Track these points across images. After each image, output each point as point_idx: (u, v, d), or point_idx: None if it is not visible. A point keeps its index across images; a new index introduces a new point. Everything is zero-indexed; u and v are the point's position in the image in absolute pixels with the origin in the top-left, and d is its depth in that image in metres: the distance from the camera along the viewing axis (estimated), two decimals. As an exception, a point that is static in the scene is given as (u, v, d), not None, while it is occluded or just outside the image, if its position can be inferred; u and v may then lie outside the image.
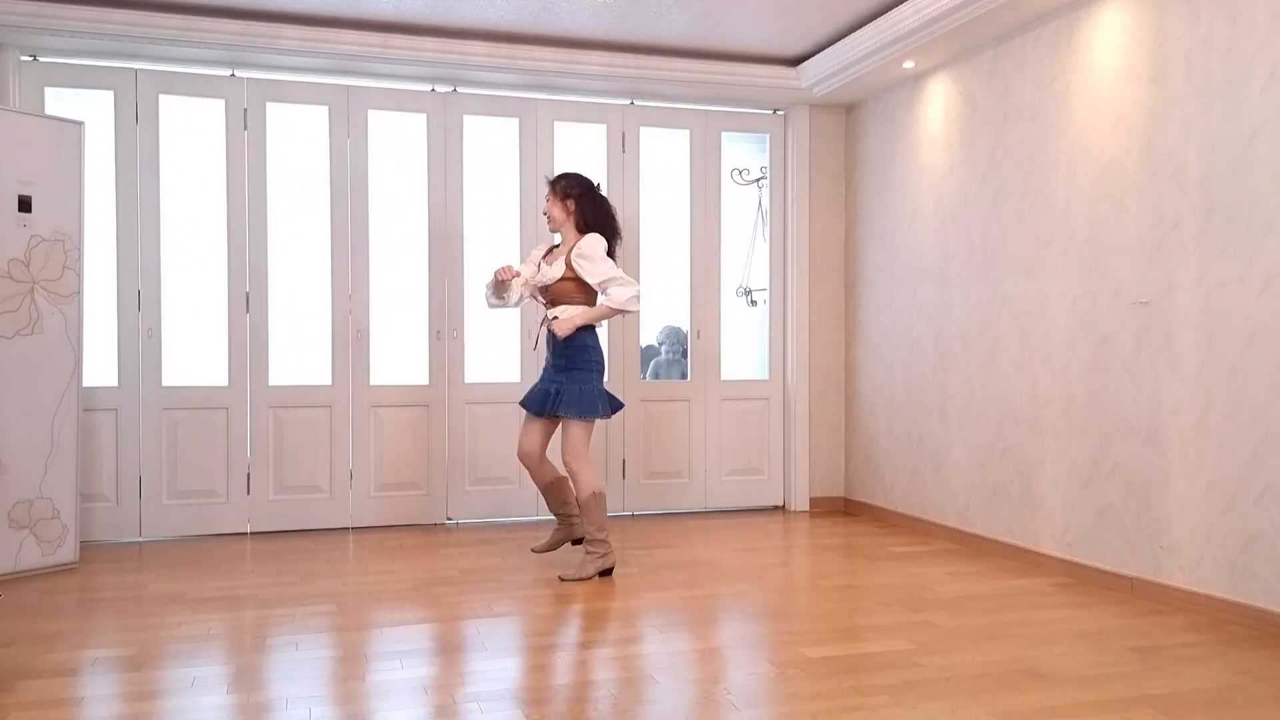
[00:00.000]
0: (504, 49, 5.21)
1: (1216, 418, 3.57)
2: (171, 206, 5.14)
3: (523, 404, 4.37)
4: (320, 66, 5.12)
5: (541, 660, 3.13)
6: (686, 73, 5.48)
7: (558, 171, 4.67)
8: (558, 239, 4.42)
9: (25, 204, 4.23)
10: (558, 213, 4.30)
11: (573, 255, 4.20)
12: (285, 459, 5.26)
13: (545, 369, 4.35)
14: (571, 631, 3.44)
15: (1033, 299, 4.46)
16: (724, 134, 5.96)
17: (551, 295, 4.27)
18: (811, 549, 4.90)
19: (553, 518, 4.89)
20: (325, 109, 5.31)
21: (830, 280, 6.02)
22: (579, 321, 4.18)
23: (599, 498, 4.20)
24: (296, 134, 5.32)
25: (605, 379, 4.37)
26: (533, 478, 4.40)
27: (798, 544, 5.04)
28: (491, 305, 4.41)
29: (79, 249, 4.43)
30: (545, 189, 4.42)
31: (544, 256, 4.40)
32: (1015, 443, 4.58)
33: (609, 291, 4.17)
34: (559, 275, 4.22)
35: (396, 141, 5.47)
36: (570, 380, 4.19)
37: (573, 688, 2.86)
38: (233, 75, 5.19)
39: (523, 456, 4.34)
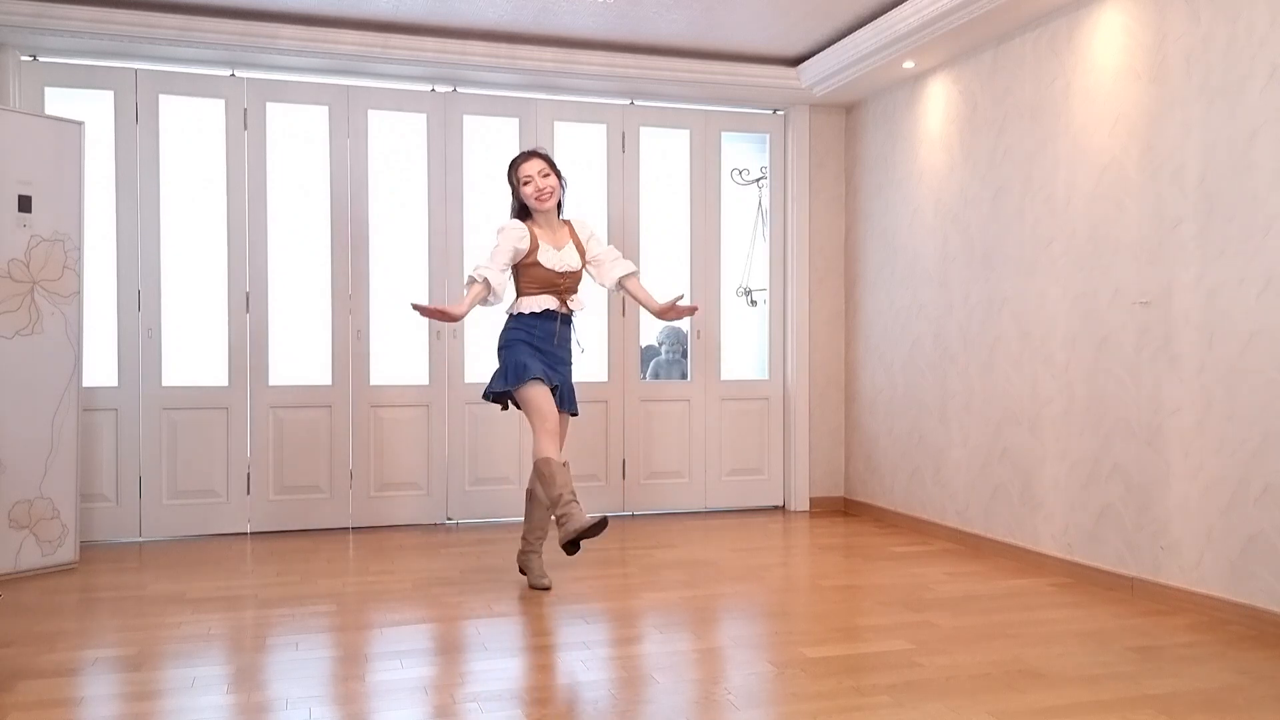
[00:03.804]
0: (504, 49, 5.21)
1: (1216, 418, 3.57)
2: (171, 206, 5.14)
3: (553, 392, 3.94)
4: (320, 66, 5.12)
5: (541, 660, 3.13)
6: (686, 73, 5.48)
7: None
8: (519, 229, 3.95)
9: (25, 204, 4.23)
10: (557, 187, 3.97)
11: (586, 240, 4.05)
12: (285, 459, 5.26)
13: (549, 359, 3.95)
14: (571, 631, 3.44)
15: (1033, 299, 4.46)
16: (724, 134, 5.95)
17: (571, 282, 3.99)
18: (811, 549, 4.90)
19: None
20: (325, 109, 5.31)
21: (830, 280, 6.02)
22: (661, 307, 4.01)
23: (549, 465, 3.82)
24: (296, 134, 5.32)
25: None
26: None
27: (798, 544, 5.04)
28: (488, 305, 3.97)
29: (79, 249, 4.43)
30: (538, 160, 3.96)
31: (547, 240, 3.97)
32: (1015, 443, 4.58)
33: (633, 278, 4.09)
34: (580, 263, 4.01)
35: (396, 141, 5.47)
36: (569, 374, 4.04)
37: (573, 688, 2.86)
38: (233, 75, 5.19)
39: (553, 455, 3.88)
